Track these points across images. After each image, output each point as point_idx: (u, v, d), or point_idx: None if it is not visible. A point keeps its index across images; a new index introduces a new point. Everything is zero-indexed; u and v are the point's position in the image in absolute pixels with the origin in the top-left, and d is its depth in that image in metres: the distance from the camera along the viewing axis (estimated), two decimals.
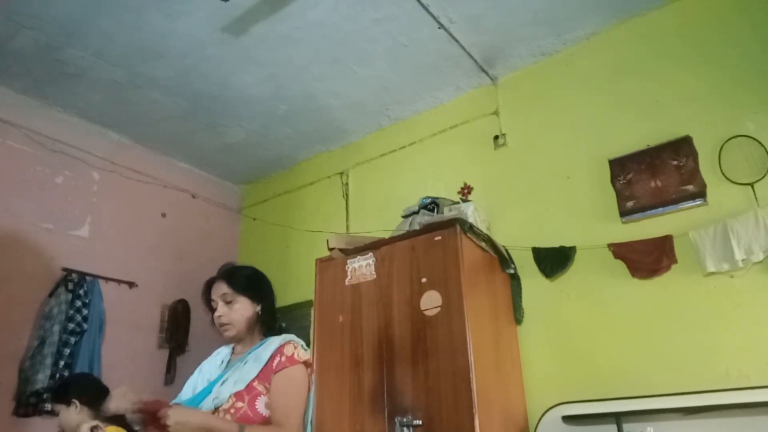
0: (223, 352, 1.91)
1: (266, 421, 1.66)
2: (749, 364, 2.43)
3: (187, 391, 1.83)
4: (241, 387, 1.68)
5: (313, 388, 1.81)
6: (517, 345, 3.02)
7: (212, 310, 1.83)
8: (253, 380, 1.69)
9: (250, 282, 1.86)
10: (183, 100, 3.82)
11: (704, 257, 2.58)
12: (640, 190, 2.87)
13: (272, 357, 1.72)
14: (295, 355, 1.73)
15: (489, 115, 3.60)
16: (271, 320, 1.88)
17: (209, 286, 1.86)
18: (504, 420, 2.65)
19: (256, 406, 1.66)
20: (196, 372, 1.90)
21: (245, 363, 1.75)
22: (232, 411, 1.65)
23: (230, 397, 1.67)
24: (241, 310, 1.80)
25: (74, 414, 2.36)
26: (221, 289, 1.82)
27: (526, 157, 3.38)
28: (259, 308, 1.84)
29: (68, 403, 2.39)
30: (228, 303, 1.80)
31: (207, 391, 1.73)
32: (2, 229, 3.45)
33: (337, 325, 2.97)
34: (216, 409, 1.67)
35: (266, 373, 1.70)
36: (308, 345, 3.39)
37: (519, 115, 3.50)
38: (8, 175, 3.55)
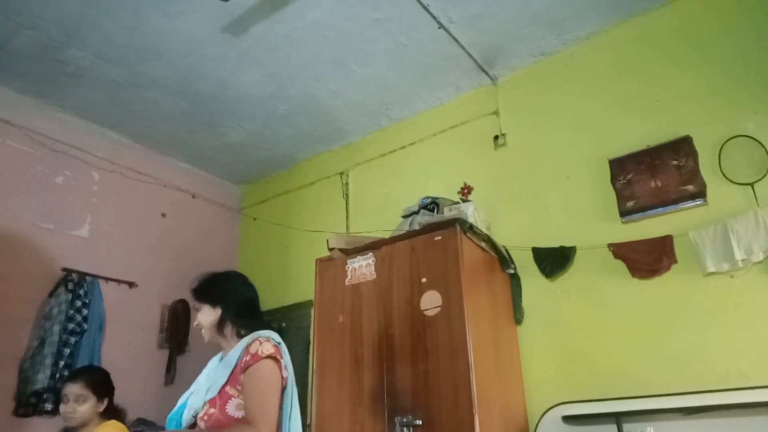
0: (215, 361, 1.93)
1: (239, 422, 1.65)
2: (749, 364, 2.43)
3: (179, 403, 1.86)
4: (213, 394, 1.70)
5: (290, 382, 1.78)
6: (517, 345, 3.02)
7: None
8: (224, 385, 1.71)
9: (205, 289, 1.91)
10: (183, 100, 3.82)
11: (704, 257, 2.58)
12: (640, 190, 2.87)
13: (240, 358, 1.73)
14: (259, 352, 1.71)
15: (489, 115, 3.60)
16: (241, 319, 1.86)
17: None
18: (504, 420, 2.65)
19: (227, 410, 1.67)
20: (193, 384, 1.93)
21: (217, 370, 1.79)
22: (205, 418, 1.68)
23: (204, 405, 1.70)
24: (205, 316, 1.87)
25: (96, 410, 2.34)
26: (193, 300, 1.92)
27: (526, 157, 3.38)
28: (219, 312, 1.87)
29: (101, 398, 2.36)
30: (198, 311, 1.90)
31: (185, 404, 1.77)
32: (2, 229, 3.45)
33: (337, 325, 2.97)
34: (194, 419, 1.71)
35: (236, 376, 1.72)
36: (309, 345, 3.40)
37: (519, 115, 3.50)
38: (8, 175, 3.55)
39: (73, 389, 2.34)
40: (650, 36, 3.10)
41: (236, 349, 1.77)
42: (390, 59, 3.46)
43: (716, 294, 2.59)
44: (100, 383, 2.42)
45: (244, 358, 1.71)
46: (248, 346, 1.74)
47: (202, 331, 1.87)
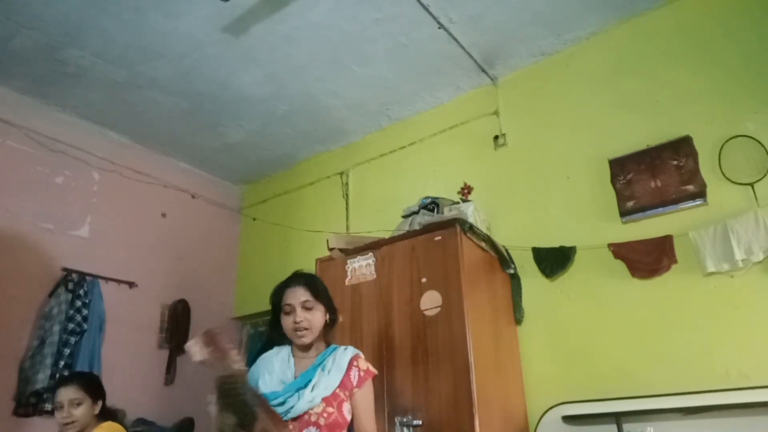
0: (283, 353, 1.94)
1: (349, 425, 1.81)
2: (749, 364, 2.43)
3: (269, 385, 1.84)
4: (328, 393, 1.79)
5: None
6: (517, 345, 3.02)
7: (280, 313, 1.91)
8: (336, 388, 1.80)
9: (327, 292, 1.97)
10: (183, 100, 3.82)
11: (704, 257, 2.58)
12: (640, 190, 2.87)
13: (349, 367, 1.86)
14: (369, 369, 1.90)
15: (489, 115, 3.60)
16: (332, 330, 2.00)
17: (283, 289, 1.93)
18: (504, 420, 2.65)
19: (344, 412, 1.79)
20: (262, 367, 1.91)
21: (328, 371, 1.83)
22: (325, 415, 1.75)
23: (321, 401, 1.77)
24: (319, 317, 1.91)
25: (92, 413, 2.33)
26: (302, 295, 1.90)
27: (526, 157, 3.38)
28: (327, 317, 1.94)
29: (96, 399, 2.35)
30: (308, 309, 1.89)
31: (294, 389, 1.78)
32: (2, 229, 3.45)
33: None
34: (307, 411, 1.75)
35: (345, 383, 1.83)
36: None
37: (519, 115, 3.50)
38: (8, 175, 3.55)
39: (67, 394, 2.31)
40: (650, 36, 3.10)
41: (342, 356, 1.87)
42: (390, 59, 3.46)
43: (716, 294, 2.59)
44: (93, 385, 2.41)
45: (357, 372, 1.86)
46: (355, 358, 1.88)
47: (307, 330, 1.87)
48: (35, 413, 3.27)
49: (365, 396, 1.86)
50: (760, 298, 2.48)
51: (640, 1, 3.07)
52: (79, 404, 2.30)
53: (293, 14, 3.07)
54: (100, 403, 2.37)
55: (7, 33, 3.17)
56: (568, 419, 2.67)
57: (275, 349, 1.98)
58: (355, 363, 1.87)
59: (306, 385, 1.79)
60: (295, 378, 1.84)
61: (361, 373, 1.86)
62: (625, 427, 2.50)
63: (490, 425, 2.47)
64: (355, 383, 1.84)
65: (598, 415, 2.57)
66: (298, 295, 1.89)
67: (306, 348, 1.90)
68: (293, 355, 1.93)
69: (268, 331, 2.02)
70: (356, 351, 1.92)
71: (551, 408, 2.76)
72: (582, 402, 2.70)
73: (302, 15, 3.08)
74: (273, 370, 1.88)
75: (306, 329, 1.86)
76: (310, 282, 1.94)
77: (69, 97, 3.76)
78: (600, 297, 2.88)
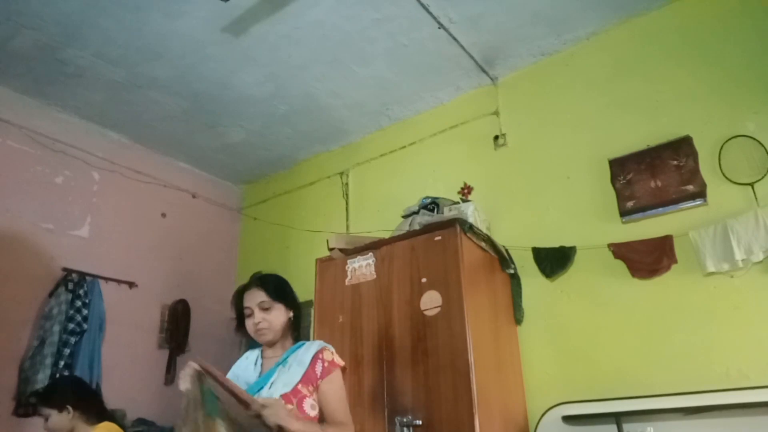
0: (252, 356, 1.98)
1: (314, 421, 1.78)
2: (749, 364, 2.43)
3: None
4: (288, 389, 1.77)
5: None
6: (517, 345, 3.02)
7: (243, 317, 1.94)
8: (298, 383, 1.78)
9: (284, 290, 1.98)
10: (183, 100, 3.82)
11: (704, 257, 2.58)
12: (640, 190, 2.87)
13: (313, 361, 1.84)
14: (335, 360, 1.88)
15: (489, 115, 3.60)
16: (299, 326, 1.99)
17: (241, 294, 1.96)
18: (504, 420, 2.65)
19: (304, 408, 1.76)
20: (230, 374, 1.96)
21: (289, 367, 1.83)
22: None
23: (280, 397, 1.75)
24: (278, 316, 1.91)
25: (66, 420, 2.33)
26: (258, 296, 1.92)
27: (526, 157, 3.38)
28: (291, 314, 1.95)
29: (60, 408, 2.34)
30: (265, 310, 1.90)
31: (256, 389, 1.80)
32: (2, 229, 3.45)
33: (337, 325, 2.97)
34: None
35: (309, 377, 1.81)
36: None
37: (519, 115, 3.50)
38: (8, 175, 3.55)
39: (41, 411, 2.40)
40: (650, 36, 3.10)
41: (305, 351, 1.87)
42: (390, 59, 3.46)
43: (716, 294, 2.59)
44: (55, 394, 2.41)
45: (321, 364, 1.84)
46: (320, 351, 1.87)
47: (266, 329, 1.88)
48: (35, 413, 3.25)
49: (331, 386, 1.83)
50: (760, 298, 2.48)
51: (640, 1, 3.07)
52: (48, 417, 2.36)
53: (293, 14, 3.07)
54: (69, 409, 2.34)
55: (7, 33, 3.17)
56: (568, 419, 2.67)
57: (245, 354, 2.03)
58: (320, 356, 1.85)
59: (265, 385, 1.80)
60: (260, 377, 1.86)
61: (326, 364, 1.84)
62: (625, 427, 2.50)
63: (490, 425, 2.47)
64: (319, 375, 1.82)
65: (598, 415, 2.57)
66: (255, 297, 1.92)
67: (273, 347, 1.93)
68: (262, 356, 1.96)
69: None
70: (323, 344, 1.91)
71: (551, 408, 2.76)
72: (582, 402, 2.70)
73: (302, 15, 3.08)
74: (237, 374, 1.93)
75: (266, 329, 1.89)
76: (265, 282, 1.96)
77: (69, 97, 3.76)
78: (600, 297, 2.88)
